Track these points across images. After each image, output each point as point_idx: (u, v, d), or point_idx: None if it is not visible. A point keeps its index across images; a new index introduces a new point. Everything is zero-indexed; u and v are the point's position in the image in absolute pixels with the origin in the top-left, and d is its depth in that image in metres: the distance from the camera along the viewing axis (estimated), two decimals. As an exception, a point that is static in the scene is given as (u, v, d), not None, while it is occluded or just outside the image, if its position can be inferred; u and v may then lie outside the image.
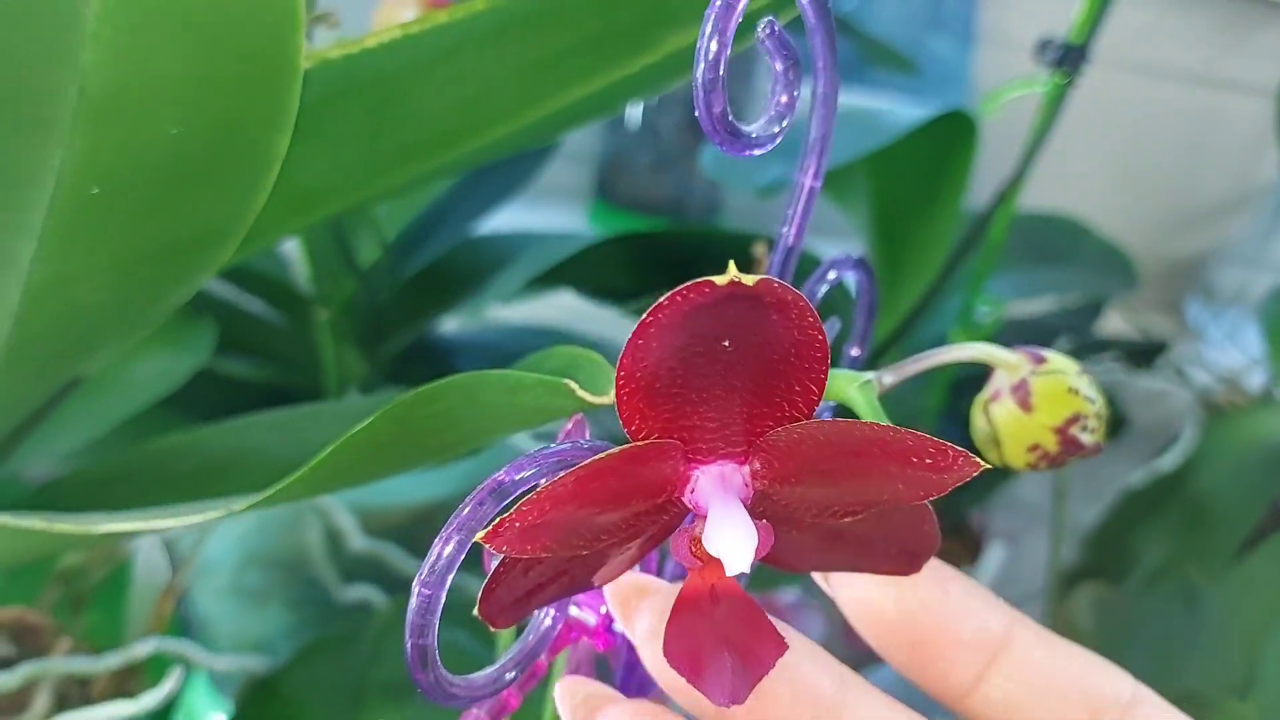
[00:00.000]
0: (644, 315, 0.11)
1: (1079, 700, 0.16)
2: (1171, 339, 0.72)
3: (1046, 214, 0.61)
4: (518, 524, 0.12)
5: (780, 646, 0.13)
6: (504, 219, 0.50)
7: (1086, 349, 0.58)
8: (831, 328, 0.20)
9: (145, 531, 0.19)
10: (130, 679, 0.32)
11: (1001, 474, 0.53)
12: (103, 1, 0.14)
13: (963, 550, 0.52)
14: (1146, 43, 0.66)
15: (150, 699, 0.27)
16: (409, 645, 0.13)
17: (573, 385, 0.17)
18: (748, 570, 0.12)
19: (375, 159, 0.24)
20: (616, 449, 0.12)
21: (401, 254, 0.49)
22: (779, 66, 0.16)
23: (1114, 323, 0.67)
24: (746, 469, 0.13)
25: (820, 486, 0.13)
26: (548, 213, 0.87)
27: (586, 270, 0.40)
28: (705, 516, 0.12)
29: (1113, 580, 0.52)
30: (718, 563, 0.12)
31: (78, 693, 0.32)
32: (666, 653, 0.12)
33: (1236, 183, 0.70)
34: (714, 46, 0.14)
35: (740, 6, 0.14)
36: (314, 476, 0.18)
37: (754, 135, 0.16)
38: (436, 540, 0.13)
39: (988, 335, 0.44)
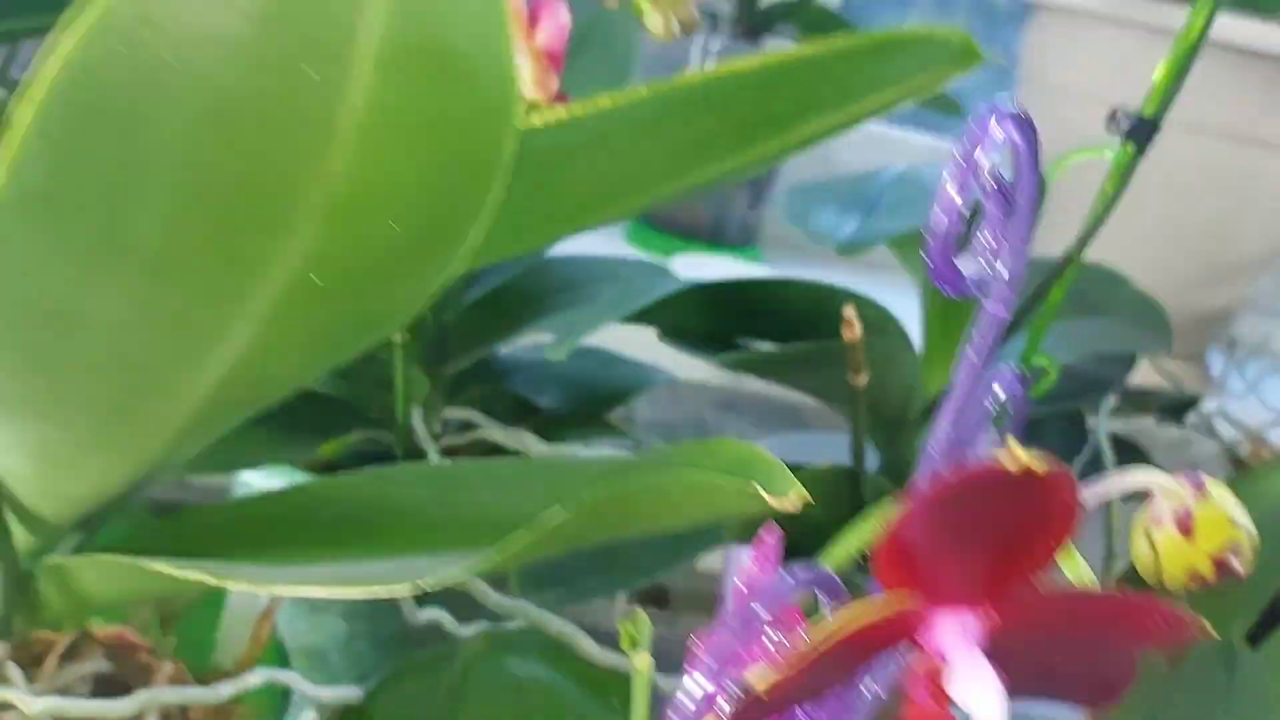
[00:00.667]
0: (926, 492, 0.12)
1: None
2: (1195, 388, 0.74)
3: (1086, 265, 0.62)
4: (770, 694, 0.13)
5: None
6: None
7: (1126, 401, 0.59)
8: (1019, 380, 0.21)
9: (341, 594, 0.20)
10: (228, 706, 0.33)
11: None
12: (359, 117, 0.15)
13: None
14: (1189, 100, 0.67)
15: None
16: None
17: (763, 492, 0.18)
18: None
19: (531, 221, 0.25)
20: (872, 610, 0.13)
21: (471, 275, 0.50)
22: (995, 211, 0.17)
23: (1143, 371, 0.69)
24: (984, 617, 0.14)
25: (1051, 635, 0.14)
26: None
27: (662, 313, 0.41)
28: (943, 659, 0.13)
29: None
30: (942, 695, 0.13)
31: (178, 714, 0.33)
32: None
33: (1267, 239, 0.71)
34: (955, 200, 0.16)
35: (984, 168, 0.16)
36: (506, 554, 0.19)
37: (973, 278, 0.17)
38: (690, 671, 0.14)
39: (1043, 392, 0.45)
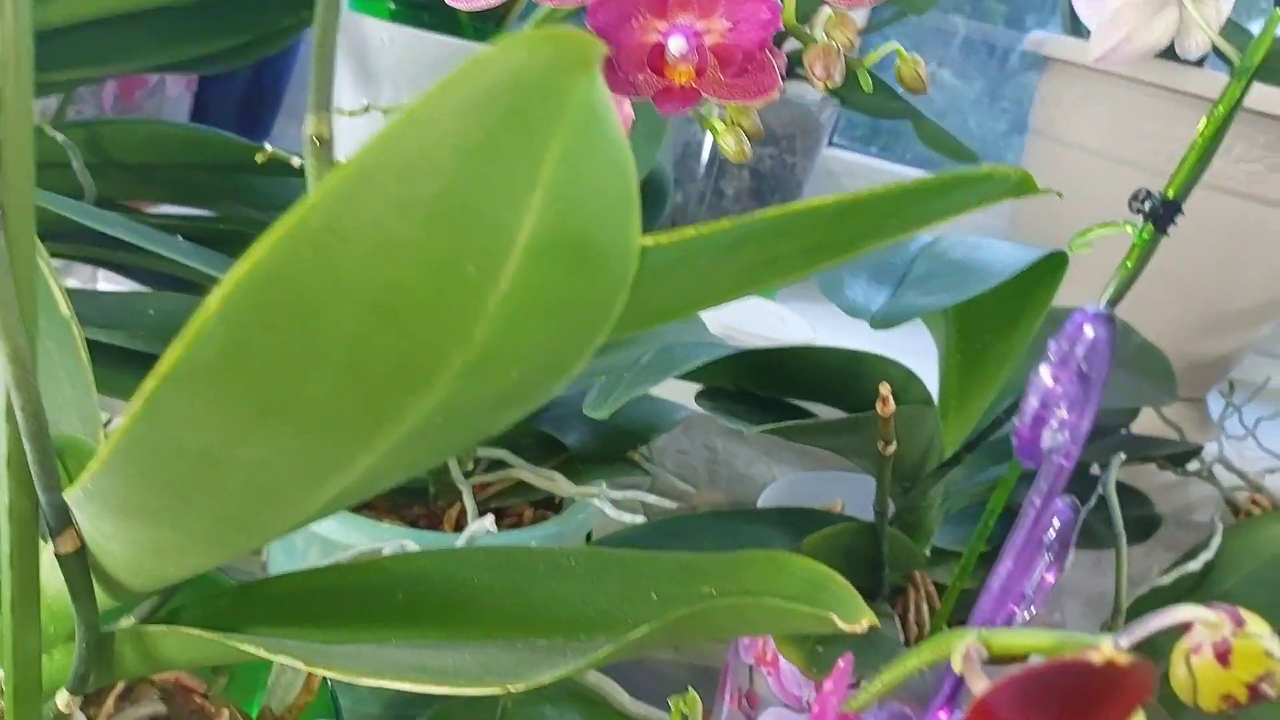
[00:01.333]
0: (1019, 674, 0.14)
1: None
2: (1194, 432, 0.76)
3: (1096, 314, 0.64)
4: None
5: None
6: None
7: (1134, 451, 0.61)
8: (1073, 507, 0.23)
9: (434, 690, 0.21)
10: (284, 749, 0.34)
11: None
12: (505, 298, 0.16)
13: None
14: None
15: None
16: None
17: (835, 618, 0.19)
18: None
19: (620, 325, 0.27)
20: None
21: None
22: (1077, 392, 0.18)
23: (1143, 413, 0.71)
24: None
25: None
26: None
27: (708, 374, 0.43)
28: None
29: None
30: None
31: (232, 757, 0.34)
32: None
33: (1268, 290, 0.73)
34: (1050, 386, 0.17)
35: (1075, 355, 0.17)
36: (592, 663, 0.21)
37: (1048, 448, 0.18)
38: None
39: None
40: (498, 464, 0.53)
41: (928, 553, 0.54)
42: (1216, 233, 0.70)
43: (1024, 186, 0.26)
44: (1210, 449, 0.69)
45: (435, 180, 0.15)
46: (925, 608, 0.53)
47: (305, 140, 0.26)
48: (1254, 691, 0.20)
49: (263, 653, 0.25)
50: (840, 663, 0.20)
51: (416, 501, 0.51)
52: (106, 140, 0.52)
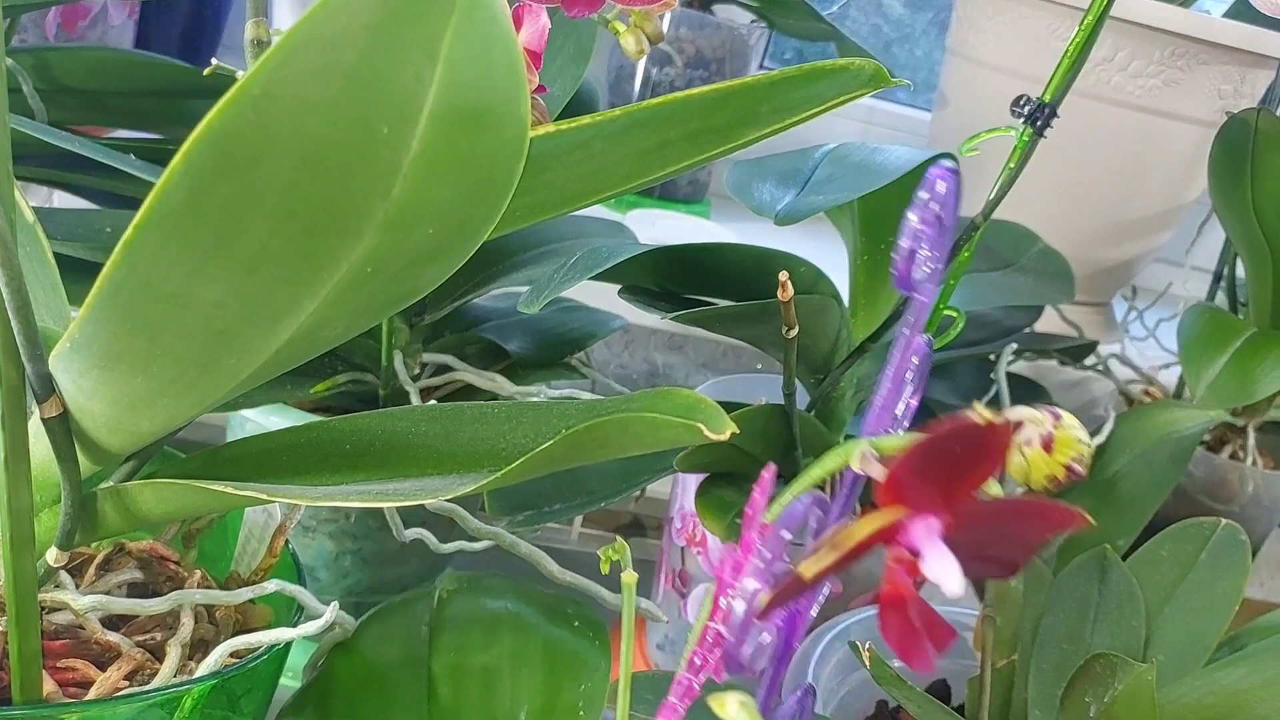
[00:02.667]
0: (923, 438, 0.18)
1: None
2: (1099, 334, 0.81)
3: (997, 221, 0.69)
4: (807, 578, 0.19)
5: (951, 633, 0.20)
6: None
7: (1031, 346, 0.66)
8: (928, 343, 0.27)
9: (389, 504, 0.25)
10: (248, 608, 0.38)
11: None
12: (416, 158, 0.20)
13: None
14: (1099, 73, 0.73)
15: (308, 628, 0.33)
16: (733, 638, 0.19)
17: (702, 426, 0.24)
18: (961, 593, 0.19)
19: (514, 213, 0.31)
20: (876, 519, 0.19)
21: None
22: (933, 234, 0.23)
23: (1049, 316, 0.76)
24: (943, 521, 0.19)
25: (985, 530, 0.20)
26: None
27: (622, 271, 0.47)
28: (919, 552, 0.19)
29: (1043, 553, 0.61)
30: (912, 580, 0.19)
31: (205, 615, 0.38)
32: (885, 637, 0.19)
33: (1169, 198, 0.78)
34: (917, 227, 0.21)
35: (928, 204, 0.21)
36: (510, 474, 0.25)
37: (922, 281, 0.23)
38: (743, 580, 0.19)
39: (954, 338, 0.52)
40: (444, 369, 0.56)
41: (842, 439, 0.59)
42: (1118, 146, 0.75)
43: (878, 79, 0.30)
44: (1109, 347, 0.75)
45: (350, 52, 0.18)
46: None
47: (246, 44, 0.30)
48: (1070, 471, 0.25)
49: (230, 490, 0.29)
50: (764, 473, 0.24)
51: (367, 406, 0.55)
52: (54, 67, 0.54)
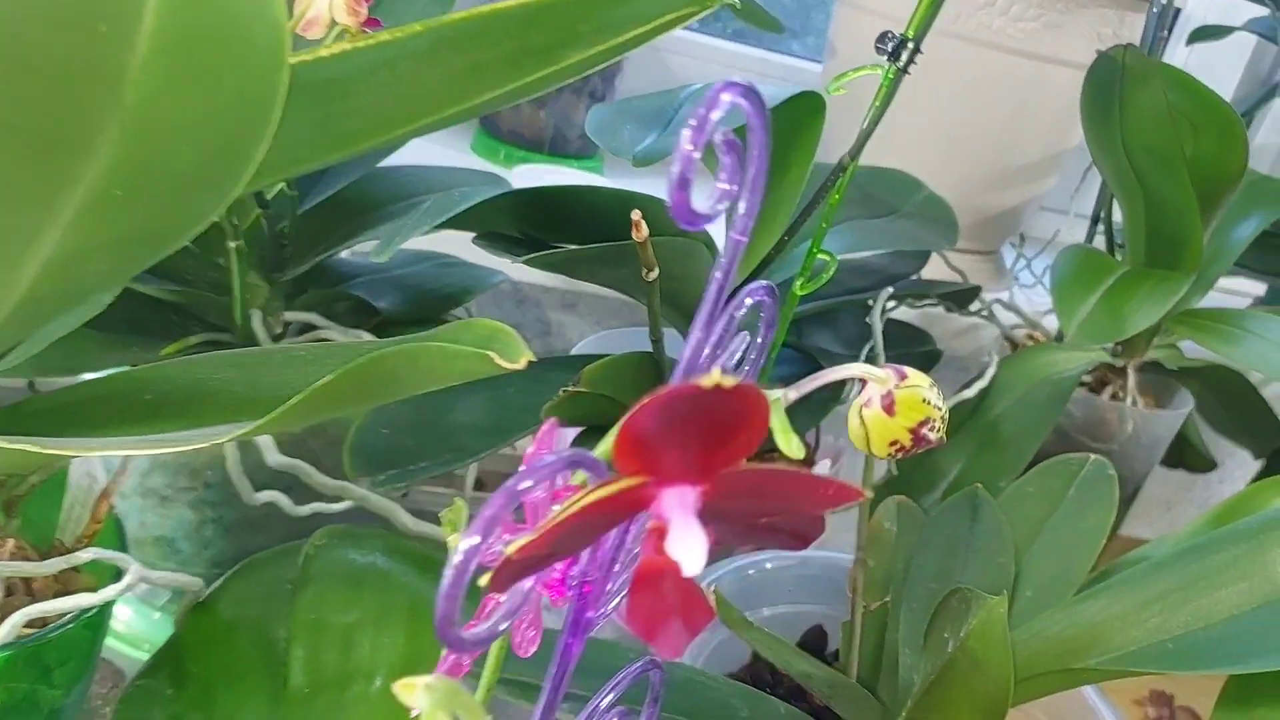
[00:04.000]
0: (644, 400, 0.17)
1: None
2: (989, 281, 0.82)
3: (882, 169, 0.69)
4: (531, 552, 0.17)
5: (710, 613, 0.18)
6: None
7: (912, 292, 0.66)
8: (743, 340, 0.26)
9: (152, 452, 0.24)
10: (70, 577, 0.36)
11: (832, 400, 0.61)
12: (145, 63, 0.19)
13: (797, 465, 0.60)
14: (980, 19, 0.73)
15: (109, 592, 0.31)
16: (441, 607, 0.18)
17: (495, 356, 0.22)
18: (698, 571, 0.18)
19: (322, 142, 0.29)
20: (607, 487, 0.18)
21: (305, 185, 0.52)
22: (728, 160, 0.21)
23: (936, 266, 0.76)
24: (699, 490, 0.18)
25: (751, 501, 0.19)
26: (435, 139, 0.91)
27: (484, 219, 0.45)
28: (668, 524, 0.18)
29: (918, 494, 0.61)
30: (664, 550, 0.18)
31: (22, 587, 0.36)
32: (629, 617, 0.18)
33: (1052, 144, 0.78)
34: (689, 150, 0.20)
35: (712, 122, 0.20)
36: (288, 414, 0.24)
37: (706, 215, 0.21)
38: (463, 536, 0.18)
39: (825, 283, 0.51)
40: (309, 328, 0.54)
41: (724, 390, 0.58)
42: (1000, 91, 0.75)
43: (699, 0, 0.28)
44: (991, 295, 0.75)
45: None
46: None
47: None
48: (918, 437, 0.23)
49: (17, 445, 0.27)
50: (544, 424, 0.22)
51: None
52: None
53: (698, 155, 0.20)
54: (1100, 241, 0.71)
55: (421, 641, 0.39)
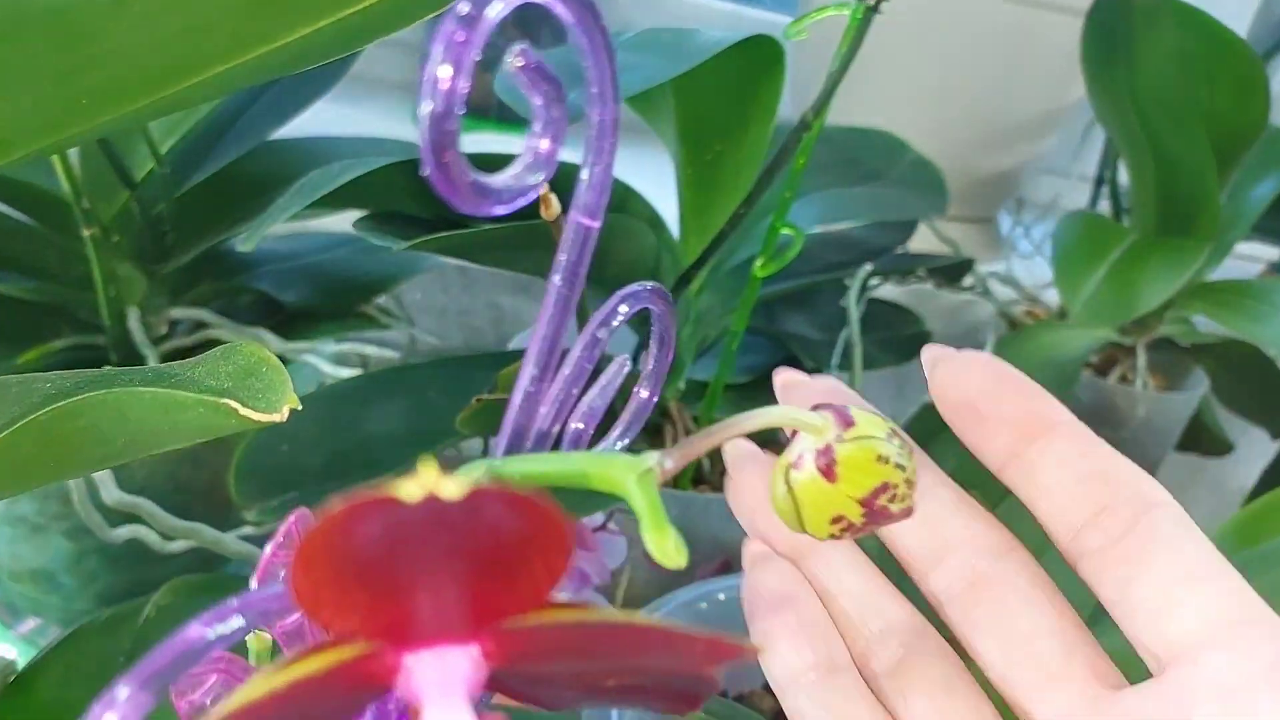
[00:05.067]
0: (313, 524, 0.10)
1: (1100, 487, 0.19)
2: (984, 251, 0.75)
3: (863, 130, 0.61)
4: None
5: None
6: (324, 115, 0.47)
7: (896, 267, 0.59)
8: (620, 368, 0.19)
9: None
10: None
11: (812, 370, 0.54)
12: None
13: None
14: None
15: None
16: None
17: (236, 406, 0.15)
18: None
19: (69, 101, 0.22)
20: (309, 659, 0.10)
21: (184, 163, 0.45)
22: (539, 102, 0.14)
23: (925, 237, 0.69)
24: (472, 650, 0.11)
25: (576, 661, 0.12)
26: (373, 105, 0.83)
27: (382, 196, 0.38)
28: (421, 712, 0.11)
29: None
30: None
31: None
32: None
33: (1050, 100, 0.71)
34: (446, 79, 0.12)
35: (482, 32, 0.13)
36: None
37: (504, 190, 0.14)
38: (92, 713, 0.11)
39: (790, 260, 0.44)
40: (200, 326, 0.47)
41: (682, 385, 0.51)
42: (994, 42, 0.67)
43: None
44: (992, 266, 0.68)
45: None
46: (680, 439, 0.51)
47: None
48: (873, 511, 0.16)
49: None
50: (291, 518, 0.15)
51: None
52: None
53: (462, 87, 0.13)
54: (1105, 207, 0.64)
55: None
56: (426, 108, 0.14)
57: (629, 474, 0.14)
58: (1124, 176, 0.62)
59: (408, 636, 0.11)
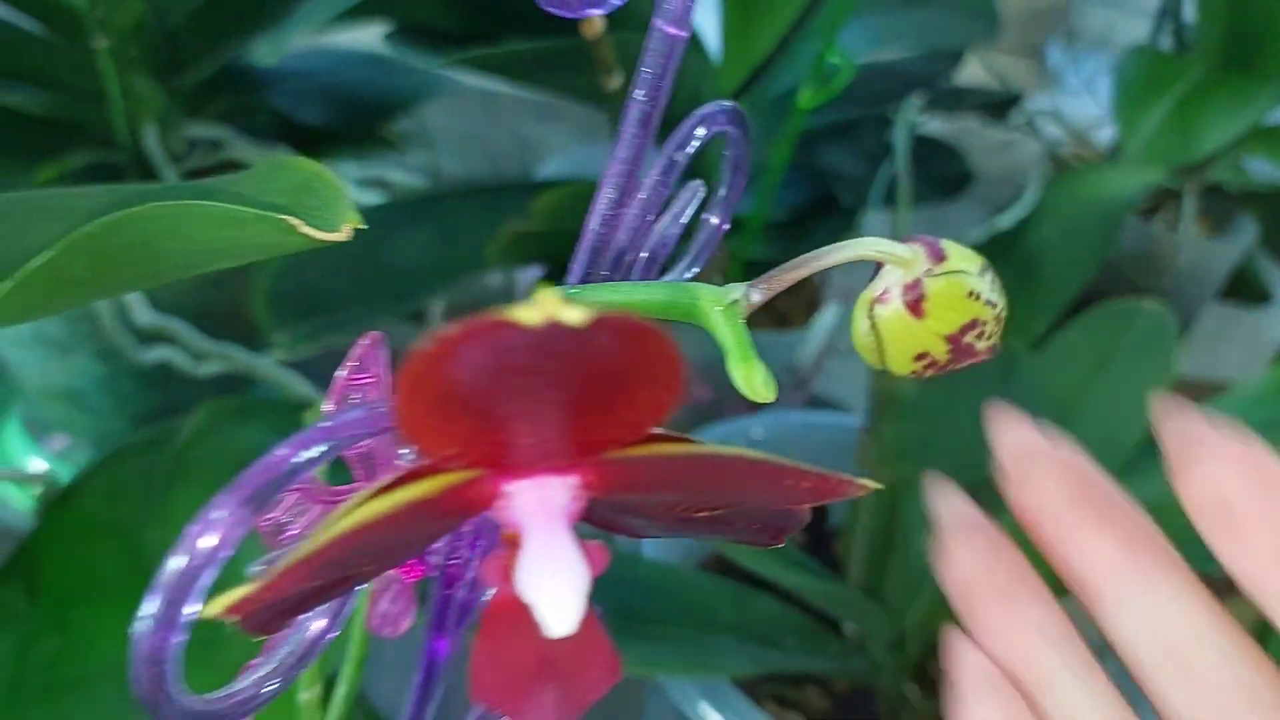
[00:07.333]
0: (424, 347, 0.08)
1: None
2: (1031, 87, 0.71)
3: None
4: (293, 586, 0.10)
5: (615, 672, 0.11)
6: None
7: (941, 100, 0.56)
8: (694, 192, 0.17)
9: None
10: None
11: (844, 227, 0.53)
12: None
13: (800, 308, 0.52)
14: None
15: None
16: (140, 673, 0.10)
17: (296, 223, 0.14)
18: (574, 630, 0.10)
19: None
20: (407, 490, 0.10)
21: (197, -31, 0.43)
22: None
23: (973, 69, 0.65)
24: (573, 480, 0.10)
25: (672, 494, 0.11)
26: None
27: (410, 7, 0.36)
28: (522, 540, 0.10)
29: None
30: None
31: None
32: (473, 681, 0.10)
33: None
34: None
35: None
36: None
37: None
38: (188, 533, 0.10)
39: (838, 90, 0.42)
40: (216, 146, 0.45)
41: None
42: None
43: None
44: (1035, 103, 0.65)
45: None
46: (718, 279, 0.49)
47: None
48: (959, 348, 0.15)
49: None
50: (362, 340, 0.14)
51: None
52: None
53: None
54: (1165, 43, 0.60)
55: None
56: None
57: (714, 305, 0.13)
58: (1188, 10, 0.58)
59: (510, 464, 0.10)
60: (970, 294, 0.15)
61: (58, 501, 0.31)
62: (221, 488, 0.11)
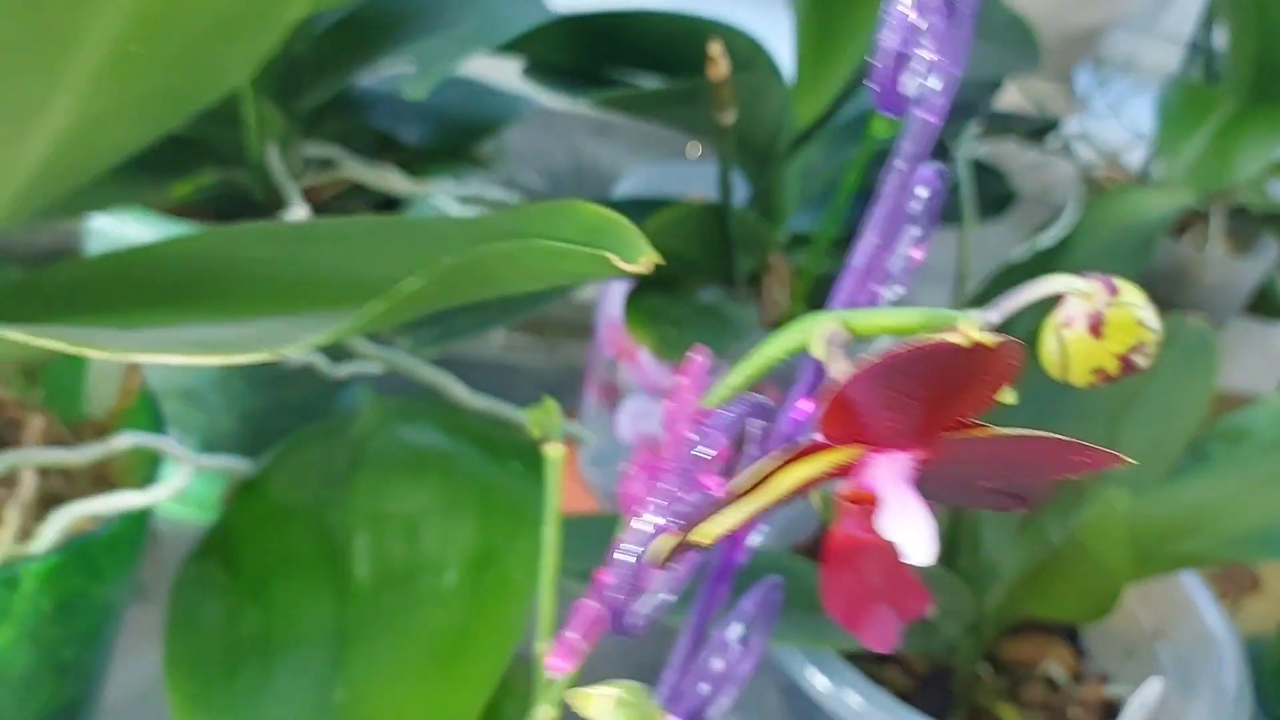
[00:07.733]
0: (880, 360, 0.12)
1: None
2: (1061, 110, 0.75)
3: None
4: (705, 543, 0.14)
5: (925, 597, 0.15)
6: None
7: (992, 126, 0.60)
8: (940, 174, 0.21)
9: (199, 361, 0.19)
10: (107, 462, 0.33)
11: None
12: None
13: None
14: None
15: (161, 492, 0.28)
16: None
17: (612, 257, 0.18)
18: (931, 561, 0.14)
19: None
20: (814, 460, 0.14)
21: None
22: (940, 25, 0.16)
23: (1009, 94, 0.69)
24: (915, 455, 0.14)
25: (975, 468, 0.15)
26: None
27: (535, 45, 0.39)
28: (880, 499, 0.14)
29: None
30: (870, 524, 0.14)
31: (57, 470, 0.32)
32: (827, 602, 0.14)
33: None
34: (910, 17, 0.15)
35: None
36: (367, 321, 0.19)
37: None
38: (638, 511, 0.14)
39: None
40: (327, 164, 0.49)
41: (783, 237, 0.54)
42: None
43: None
44: (1071, 127, 0.69)
45: None
46: (784, 292, 0.53)
47: None
48: (1127, 364, 0.20)
49: (31, 339, 0.22)
50: (695, 355, 0.18)
51: (241, 209, 0.48)
52: None
53: (923, 24, 0.15)
54: (1195, 72, 0.64)
55: (495, 534, 0.35)
56: (892, 40, 0.16)
57: (969, 327, 0.17)
58: (1217, 40, 0.62)
59: (876, 442, 0.14)
60: (1139, 322, 0.19)
61: (245, 488, 0.35)
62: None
